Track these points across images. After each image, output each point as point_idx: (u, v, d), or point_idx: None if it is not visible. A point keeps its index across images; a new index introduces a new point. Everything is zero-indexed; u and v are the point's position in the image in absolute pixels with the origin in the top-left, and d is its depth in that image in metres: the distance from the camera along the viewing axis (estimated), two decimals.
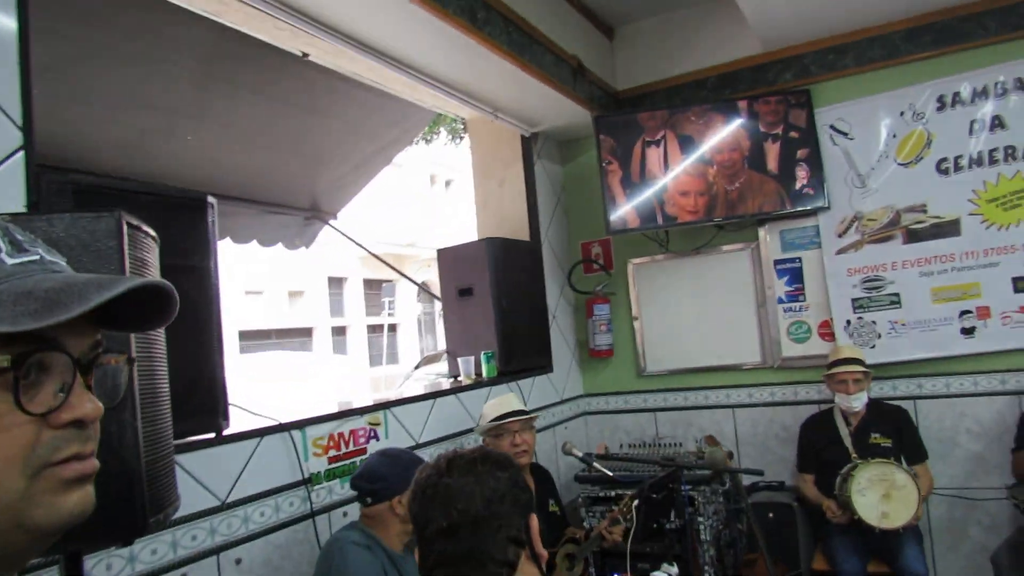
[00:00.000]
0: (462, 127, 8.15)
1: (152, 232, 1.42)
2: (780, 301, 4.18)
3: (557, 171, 4.79)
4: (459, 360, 3.76)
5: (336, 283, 23.00)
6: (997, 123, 3.74)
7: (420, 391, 3.53)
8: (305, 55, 3.16)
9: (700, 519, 3.60)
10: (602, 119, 4.23)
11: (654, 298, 4.52)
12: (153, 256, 1.40)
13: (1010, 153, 3.69)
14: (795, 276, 4.15)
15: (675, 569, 2.55)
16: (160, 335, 1.38)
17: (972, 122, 3.79)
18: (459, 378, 3.73)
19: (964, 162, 3.78)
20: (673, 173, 4.10)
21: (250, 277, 18.99)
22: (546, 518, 3.08)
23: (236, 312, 18.38)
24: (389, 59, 3.22)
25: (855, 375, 3.49)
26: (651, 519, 2.63)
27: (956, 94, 3.83)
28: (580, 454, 2.91)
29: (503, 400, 3.12)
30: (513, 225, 4.38)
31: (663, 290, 4.49)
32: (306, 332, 21.71)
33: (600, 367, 4.67)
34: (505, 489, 1.26)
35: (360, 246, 5.39)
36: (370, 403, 2.96)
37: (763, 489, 4.02)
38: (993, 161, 3.73)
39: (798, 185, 4.01)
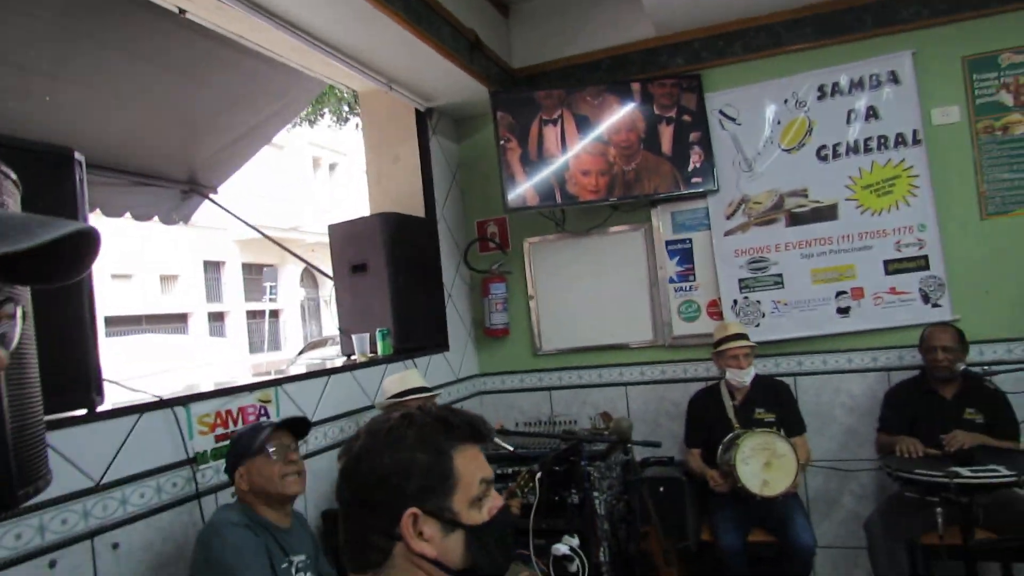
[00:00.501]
0: (347, 109, 7.86)
1: (11, 173, 1.24)
2: (671, 281, 4.28)
3: (453, 148, 4.70)
4: (354, 338, 3.62)
5: (213, 267, 21.92)
6: (872, 113, 3.95)
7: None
8: (182, 11, 2.91)
9: (596, 494, 3.64)
10: (499, 95, 4.17)
11: (550, 277, 4.52)
12: (15, 201, 1.22)
13: (883, 142, 3.92)
14: (685, 256, 4.26)
15: (575, 541, 2.55)
16: (26, 292, 1.20)
17: (849, 112, 3.99)
18: (353, 357, 3.59)
19: (842, 149, 3.98)
20: (571, 152, 4.10)
21: (118, 259, 17.81)
22: None
23: (102, 296, 17.19)
24: (276, 18, 3.02)
25: (745, 350, 3.62)
26: (553, 493, 2.61)
27: (835, 84, 4.02)
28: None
29: (405, 376, 3.03)
30: (408, 202, 4.26)
31: (558, 269, 4.50)
32: (181, 318, 20.59)
33: (496, 346, 4.64)
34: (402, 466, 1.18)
35: (245, 223, 5.11)
36: (261, 379, 2.79)
37: (654, 464, 4.11)
38: (868, 149, 3.94)
39: (690, 168, 4.11)
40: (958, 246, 3.80)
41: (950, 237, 3.80)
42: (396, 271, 3.73)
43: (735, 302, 4.11)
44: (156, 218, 4.34)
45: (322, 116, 8.05)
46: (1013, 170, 3.73)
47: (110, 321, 17.91)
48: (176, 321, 20.19)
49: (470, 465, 1.21)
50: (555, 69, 4.57)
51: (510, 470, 3.47)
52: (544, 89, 4.18)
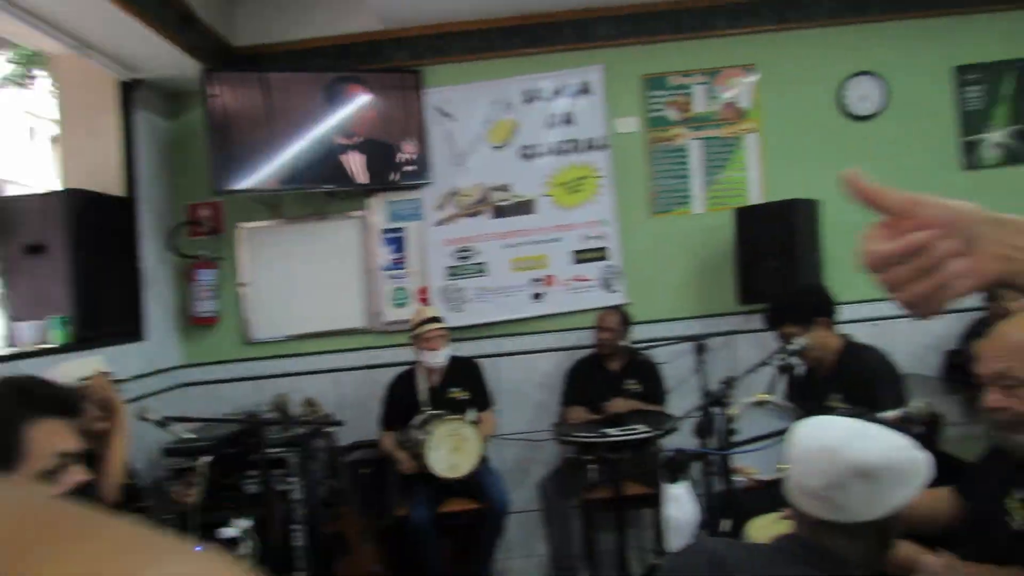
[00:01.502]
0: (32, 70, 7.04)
1: None
2: (385, 268, 4.39)
3: (162, 124, 4.45)
4: (23, 325, 3.30)
5: None
6: (568, 119, 4.35)
7: None
8: None
9: (293, 479, 3.64)
10: (213, 73, 4.02)
11: (264, 264, 4.44)
12: None
13: (575, 146, 4.32)
14: (399, 245, 4.39)
15: (247, 523, 2.52)
16: None
17: (551, 116, 4.36)
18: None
19: (542, 150, 4.34)
20: (288, 137, 4.06)
21: None
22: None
23: None
24: None
25: (440, 331, 3.81)
26: (227, 478, 2.57)
27: (539, 90, 4.37)
28: (157, 418, 2.73)
29: (83, 363, 2.79)
30: (105, 179, 3.96)
31: (274, 256, 4.43)
32: None
33: (203, 335, 4.46)
34: None
35: None
36: None
37: (365, 446, 4.19)
38: (563, 151, 4.33)
39: (407, 160, 4.25)
40: (632, 240, 4.30)
41: (626, 232, 4.30)
42: (80, 254, 3.46)
43: (443, 289, 4.31)
44: None
45: (34, 78, 7.17)
46: (675, 175, 4.30)
47: None
48: None
49: (50, 438, 1.17)
50: (280, 51, 4.49)
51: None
52: (265, 71, 4.11)
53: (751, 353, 4.22)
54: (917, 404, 2.13)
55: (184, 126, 4.50)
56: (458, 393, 3.90)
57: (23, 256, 3.48)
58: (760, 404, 2.49)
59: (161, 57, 3.91)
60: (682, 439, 3.73)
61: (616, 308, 3.99)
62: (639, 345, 3.77)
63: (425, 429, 3.62)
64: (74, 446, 1.19)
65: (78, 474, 1.20)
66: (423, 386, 3.88)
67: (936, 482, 1.47)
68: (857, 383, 2.73)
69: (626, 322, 3.91)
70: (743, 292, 3.89)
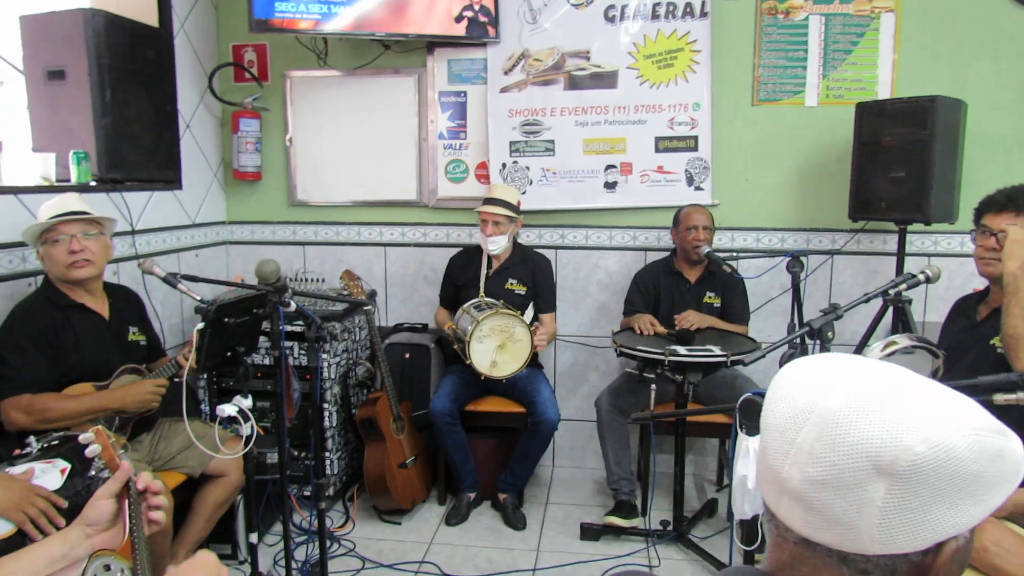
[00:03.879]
0: None
1: None
2: (441, 137, 3.93)
3: None
4: (39, 157, 3.00)
5: None
6: None
7: None
8: None
9: (325, 356, 3.38)
10: None
11: (311, 119, 4.02)
12: None
13: (671, 10, 3.68)
14: (459, 111, 3.90)
15: (247, 402, 2.25)
16: None
17: None
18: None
19: (630, 11, 3.70)
20: None
21: None
22: (122, 346, 2.60)
23: None
24: None
25: (495, 217, 3.38)
26: (224, 347, 2.27)
27: None
28: (163, 273, 2.43)
29: (63, 199, 2.49)
30: (136, 3, 3.53)
31: (322, 111, 4.00)
32: None
33: (247, 192, 4.13)
34: None
35: None
36: None
37: (407, 330, 3.90)
38: (655, 16, 3.69)
39: (471, 10, 3.68)
40: (727, 130, 3.71)
41: (721, 120, 3.71)
42: (104, 83, 3.09)
43: (504, 165, 3.84)
44: None
45: None
46: (788, 57, 3.63)
47: None
48: None
49: None
50: None
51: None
52: None
53: (856, 280, 3.70)
54: None
55: None
56: (516, 286, 3.52)
57: (45, 82, 3.14)
58: (896, 352, 2.02)
59: None
60: (764, 371, 3.35)
61: (703, 206, 3.48)
62: (723, 255, 3.28)
63: (474, 317, 3.27)
64: None
65: None
66: (483, 271, 3.50)
67: None
68: None
69: (714, 224, 3.42)
70: (857, 205, 3.31)
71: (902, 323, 2.62)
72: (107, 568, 1.11)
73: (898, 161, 3.10)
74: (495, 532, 3.32)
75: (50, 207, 2.44)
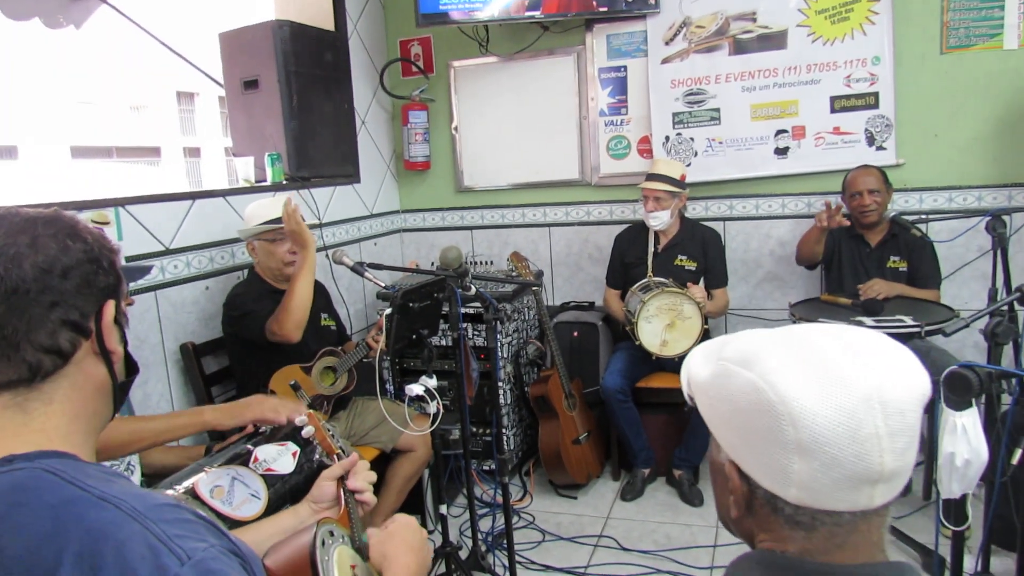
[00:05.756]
0: None
1: None
2: (602, 114, 3.91)
3: None
4: (237, 161, 3.31)
5: (187, 98, 21.07)
6: None
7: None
8: None
9: (499, 337, 3.50)
10: None
11: (474, 107, 4.14)
12: None
13: None
14: (619, 87, 3.86)
15: (432, 381, 2.38)
16: None
17: None
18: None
19: None
20: None
21: (80, 85, 16.98)
22: (317, 331, 2.83)
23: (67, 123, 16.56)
24: None
25: (656, 192, 3.33)
26: (411, 332, 2.41)
27: None
28: (351, 262, 2.62)
29: (276, 200, 2.75)
30: (314, 10, 3.79)
31: (484, 98, 4.11)
32: (153, 151, 20.02)
33: (417, 181, 4.34)
34: (74, 262, 0.92)
35: (148, 32, 4.62)
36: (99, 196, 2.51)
37: (573, 309, 3.95)
38: None
39: None
40: (912, 83, 3.42)
41: (905, 72, 3.42)
42: (292, 89, 3.36)
43: (667, 138, 3.76)
44: (37, 19, 3.89)
45: None
46: None
47: (76, 152, 17.39)
48: (148, 154, 19.63)
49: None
50: None
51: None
52: None
53: None
54: None
55: None
56: (686, 262, 3.46)
57: (241, 91, 3.46)
58: None
59: None
60: (960, 342, 3.09)
61: (871, 167, 3.24)
62: (910, 217, 3.04)
63: (642, 296, 3.26)
64: None
65: None
66: (650, 248, 3.48)
67: None
68: None
69: (887, 183, 3.18)
70: None
71: None
72: (331, 534, 1.24)
73: None
74: (672, 508, 3.31)
75: (264, 207, 2.69)
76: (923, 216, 3.09)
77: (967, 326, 2.11)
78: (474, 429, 3.53)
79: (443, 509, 2.59)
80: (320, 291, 3.00)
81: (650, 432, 3.48)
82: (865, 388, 0.74)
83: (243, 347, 2.69)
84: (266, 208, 2.73)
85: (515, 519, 3.23)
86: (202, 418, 1.86)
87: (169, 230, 2.74)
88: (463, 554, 2.70)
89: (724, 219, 3.80)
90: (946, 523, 1.87)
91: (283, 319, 2.52)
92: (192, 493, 1.79)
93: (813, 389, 0.74)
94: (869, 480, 0.75)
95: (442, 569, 2.58)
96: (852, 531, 0.78)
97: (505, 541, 2.66)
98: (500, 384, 3.50)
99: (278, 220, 2.66)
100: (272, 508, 1.85)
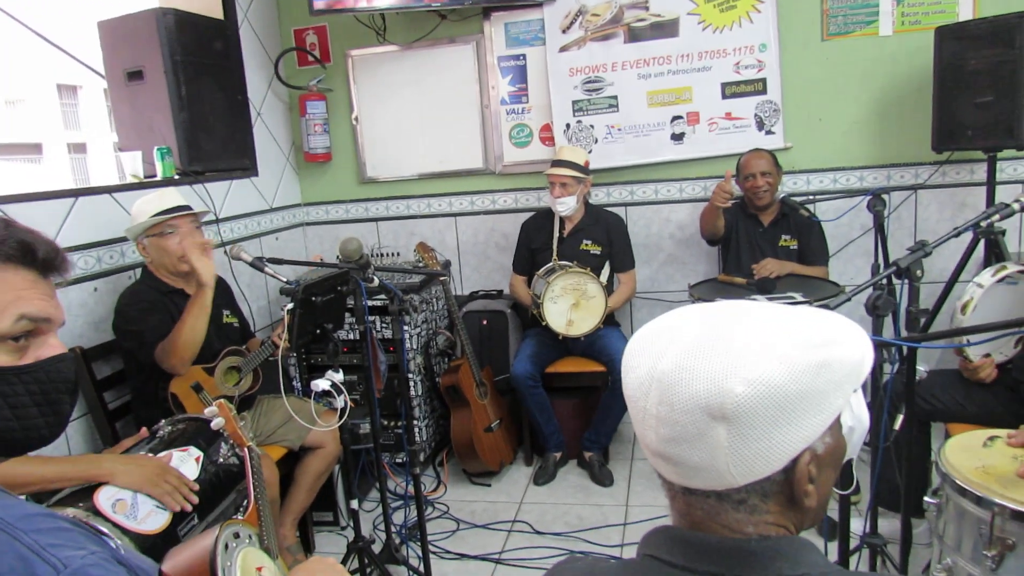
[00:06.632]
0: None
1: None
2: (503, 102, 3.93)
3: None
4: (123, 156, 3.15)
5: (69, 91, 19.88)
6: None
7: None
8: None
9: (407, 328, 3.47)
10: None
11: (375, 96, 4.07)
12: None
13: None
14: (519, 75, 3.89)
15: (340, 376, 2.34)
16: None
17: None
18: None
19: None
20: None
21: None
22: (219, 329, 2.73)
23: None
24: None
25: (562, 178, 3.38)
26: (314, 325, 2.36)
27: None
28: (250, 258, 2.54)
29: (162, 194, 2.62)
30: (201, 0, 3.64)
31: (384, 88, 4.05)
32: (34, 148, 18.81)
33: (318, 173, 4.24)
34: None
35: (24, 25, 4.32)
36: None
37: (482, 297, 3.96)
38: None
39: None
40: (797, 69, 3.58)
41: (789, 59, 3.58)
42: (180, 79, 3.21)
43: (568, 126, 3.82)
44: None
45: None
46: None
47: None
48: (28, 151, 18.45)
49: (4, 294, 0.92)
50: None
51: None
52: None
53: (943, 215, 3.56)
54: None
55: None
56: (591, 247, 3.52)
57: (125, 83, 3.28)
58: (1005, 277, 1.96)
59: None
60: (847, 314, 3.24)
61: (762, 150, 3.39)
62: (799, 199, 3.19)
63: (547, 279, 3.30)
64: (39, 310, 0.91)
65: (54, 347, 0.93)
66: (555, 234, 3.52)
67: None
68: None
69: (778, 165, 3.33)
70: (941, 136, 3.15)
71: (995, 255, 2.53)
72: (236, 535, 1.20)
73: (984, 86, 2.93)
74: (583, 489, 3.37)
75: (150, 202, 2.56)
76: (810, 197, 3.25)
77: (849, 300, 2.23)
78: (385, 422, 3.49)
79: (354, 504, 2.56)
80: (221, 286, 2.90)
81: (560, 416, 3.54)
82: (655, 370, 0.76)
83: None
84: (151, 203, 2.59)
85: (429, 510, 3.23)
86: (99, 470, 1.76)
87: (50, 230, 2.57)
88: (376, 548, 2.67)
89: (626, 204, 3.89)
90: (835, 487, 1.98)
91: (170, 351, 2.40)
92: (92, 509, 1.70)
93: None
94: (650, 450, 0.79)
95: (355, 565, 2.54)
96: (687, 506, 0.80)
97: (419, 532, 2.65)
98: (410, 376, 3.48)
99: (164, 212, 2.54)
100: (178, 519, 1.78)
